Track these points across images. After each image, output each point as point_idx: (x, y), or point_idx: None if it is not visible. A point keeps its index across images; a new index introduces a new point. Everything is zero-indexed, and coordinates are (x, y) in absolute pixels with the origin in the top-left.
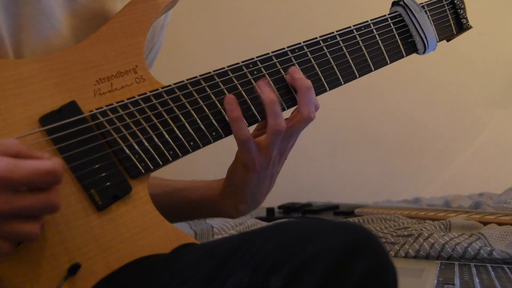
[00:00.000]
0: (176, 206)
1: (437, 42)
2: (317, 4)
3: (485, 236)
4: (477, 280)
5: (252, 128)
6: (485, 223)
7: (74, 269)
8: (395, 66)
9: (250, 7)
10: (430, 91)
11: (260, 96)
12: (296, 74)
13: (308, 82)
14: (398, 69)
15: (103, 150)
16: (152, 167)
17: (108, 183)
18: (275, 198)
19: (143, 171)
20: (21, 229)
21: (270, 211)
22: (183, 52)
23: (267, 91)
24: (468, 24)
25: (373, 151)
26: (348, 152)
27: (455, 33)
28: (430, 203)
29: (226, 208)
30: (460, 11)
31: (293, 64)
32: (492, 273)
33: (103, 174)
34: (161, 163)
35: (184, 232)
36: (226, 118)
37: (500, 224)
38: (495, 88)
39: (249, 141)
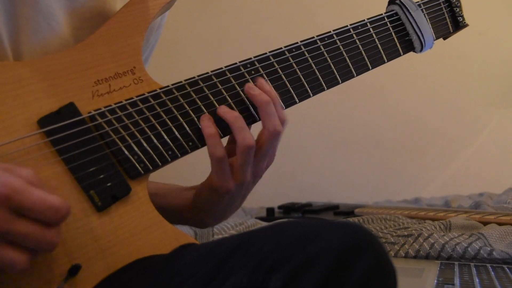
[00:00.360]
0: None
1: (434, 40)
2: (315, 4)
3: (485, 236)
4: (477, 280)
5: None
6: (485, 223)
7: (74, 270)
8: (395, 66)
9: (249, 7)
10: (430, 91)
11: (223, 118)
12: (251, 90)
13: (266, 97)
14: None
15: (102, 151)
16: (151, 167)
17: (107, 184)
18: (275, 198)
19: (142, 172)
20: (9, 255)
21: (270, 211)
22: (182, 52)
23: (228, 111)
24: (465, 22)
25: (373, 151)
26: (348, 152)
27: (451, 31)
28: (430, 203)
29: (192, 220)
30: (456, 9)
31: (290, 64)
32: (492, 273)
33: (102, 175)
34: (160, 163)
35: (184, 232)
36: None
37: (500, 224)
38: (495, 88)
39: (223, 161)
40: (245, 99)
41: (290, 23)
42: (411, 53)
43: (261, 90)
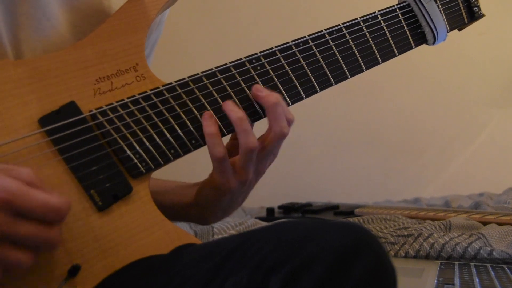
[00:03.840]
0: None
1: (448, 32)
2: (316, 4)
3: (485, 236)
4: (477, 280)
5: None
6: (485, 223)
7: (74, 271)
8: (395, 66)
9: (250, 6)
10: (430, 91)
11: (228, 115)
12: (259, 91)
13: (274, 98)
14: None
15: (103, 150)
16: (153, 166)
17: (108, 184)
18: (275, 198)
19: (143, 171)
20: (14, 256)
21: (270, 211)
22: (185, 49)
23: (233, 110)
24: (481, 13)
25: (373, 151)
26: (348, 152)
27: (466, 22)
28: (430, 203)
29: (194, 217)
30: None
31: (298, 59)
32: (492, 273)
33: (104, 175)
34: (162, 162)
35: (186, 231)
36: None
37: (500, 224)
38: (495, 88)
39: (224, 160)
40: (250, 95)
41: (292, 22)
42: (412, 52)
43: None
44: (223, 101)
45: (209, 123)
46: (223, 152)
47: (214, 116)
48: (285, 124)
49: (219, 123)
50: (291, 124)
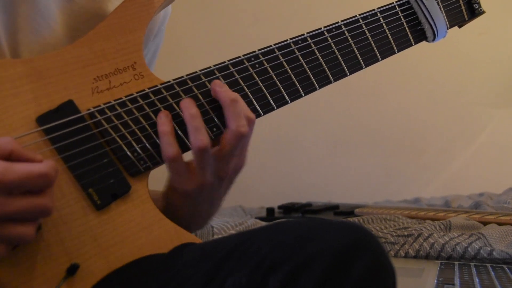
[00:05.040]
0: None
1: (448, 29)
2: (316, 4)
3: (485, 236)
4: (477, 280)
5: None
6: (485, 223)
7: (72, 270)
8: (395, 66)
9: (250, 3)
10: (430, 91)
11: (181, 113)
12: (217, 86)
13: (233, 94)
14: (398, 69)
15: (102, 148)
16: (151, 165)
17: (106, 182)
18: (275, 198)
19: (142, 169)
20: (16, 231)
21: (270, 211)
22: (183, 48)
23: (187, 107)
24: (481, 9)
25: (373, 151)
26: (348, 152)
27: (466, 19)
28: (430, 203)
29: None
30: None
31: (296, 56)
32: (492, 273)
33: (102, 173)
34: (160, 161)
35: (185, 230)
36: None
37: (500, 224)
38: (495, 88)
39: (176, 161)
40: (249, 93)
41: (291, 20)
42: (412, 52)
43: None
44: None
45: (163, 121)
46: (175, 152)
47: (170, 115)
48: (243, 122)
49: (215, 116)
50: (252, 123)
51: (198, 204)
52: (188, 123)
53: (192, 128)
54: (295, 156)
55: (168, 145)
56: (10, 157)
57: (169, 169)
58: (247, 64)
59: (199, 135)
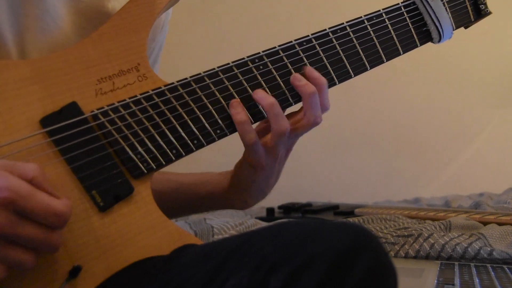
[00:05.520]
0: (184, 201)
1: (453, 30)
2: (316, 4)
3: (485, 236)
4: (477, 280)
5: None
6: (485, 223)
7: (75, 272)
8: (395, 66)
9: (253, 4)
10: (430, 91)
11: (259, 103)
12: (297, 81)
13: (311, 87)
14: (398, 69)
15: (105, 150)
16: (154, 167)
17: (110, 184)
18: (275, 198)
19: (145, 171)
20: (17, 256)
21: (270, 211)
22: (187, 49)
23: (264, 96)
24: (487, 10)
25: (373, 151)
26: (348, 152)
27: (473, 20)
28: (430, 203)
29: (234, 202)
30: None
31: (301, 58)
32: (492, 273)
33: (105, 175)
34: (164, 163)
35: (187, 232)
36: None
37: (500, 224)
38: (495, 88)
39: (256, 144)
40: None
41: (296, 21)
42: (412, 52)
43: (312, 77)
44: (225, 101)
45: (238, 111)
46: (254, 138)
47: (241, 103)
48: (319, 113)
49: (220, 118)
50: (326, 111)
51: (271, 176)
52: (268, 111)
53: (273, 115)
54: (295, 156)
55: (248, 133)
56: (32, 181)
57: (249, 152)
58: (251, 65)
59: (280, 121)
